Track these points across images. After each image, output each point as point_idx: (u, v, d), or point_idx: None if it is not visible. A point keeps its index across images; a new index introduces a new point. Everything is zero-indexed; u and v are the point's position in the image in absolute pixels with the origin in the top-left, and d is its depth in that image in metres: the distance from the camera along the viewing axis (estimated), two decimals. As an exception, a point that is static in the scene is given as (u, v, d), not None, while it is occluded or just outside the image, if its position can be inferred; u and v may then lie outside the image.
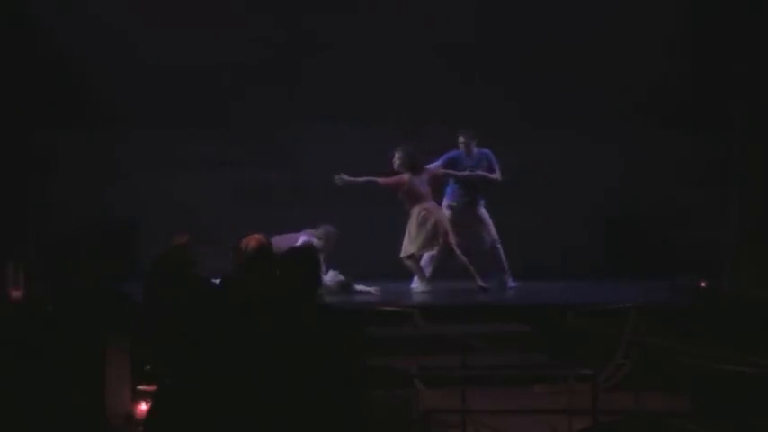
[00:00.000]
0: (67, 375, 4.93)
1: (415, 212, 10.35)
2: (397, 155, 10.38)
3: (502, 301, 10.11)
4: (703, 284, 9.75)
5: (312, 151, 12.16)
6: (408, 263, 10.41)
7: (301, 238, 9.90)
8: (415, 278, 10.46)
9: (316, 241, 9.95)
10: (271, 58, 11.99)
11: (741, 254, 11.27)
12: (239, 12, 11.88)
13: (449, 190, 10.76)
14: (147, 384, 5.07)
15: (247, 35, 11.87)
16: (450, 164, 10.63)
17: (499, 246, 10.62)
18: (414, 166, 10.36)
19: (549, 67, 11.97)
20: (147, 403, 4.89)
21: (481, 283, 10.34)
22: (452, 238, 10.35)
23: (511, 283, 10.68)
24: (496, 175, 10.59)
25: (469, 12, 12.05)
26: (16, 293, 7.67)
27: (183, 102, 11.61)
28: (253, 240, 6.22)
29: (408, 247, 10.37)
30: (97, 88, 11.60)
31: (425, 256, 10.58)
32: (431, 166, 10.57)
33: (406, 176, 10.35)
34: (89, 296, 5.64)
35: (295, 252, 4.91)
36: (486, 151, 10.67)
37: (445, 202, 10.71)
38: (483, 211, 10.69)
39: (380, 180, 10.40)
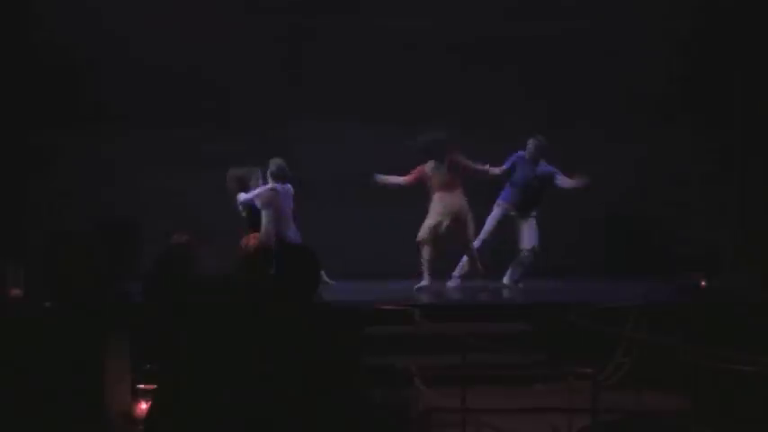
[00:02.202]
0: (67, 374, 4.92)
1: (434, 199, 10.43)
2: (421, 139, 10.42)
3: (502, 301, 10.12)
4: (703, 284, 9.75)
5: (312, 150, 12.14)
6: (421, 249, 10.41)
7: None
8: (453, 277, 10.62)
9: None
10: (271, 57, 12.00)
11: (741, 254, 11.27)
12: (239, 11, 11.89)
13: (504, 191, 10.75)
14: (147, 383, 5.06)
15: (247, 35, 11.88)
16: (511, 165, 10.65)
17: (532, 252, 10.65)
18: (436, 154, 10.34)
19: (550, 66, 11.98)
20: (146, 402, 4.88)
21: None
22: (470, 232, 10.36)
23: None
24: (497, 170, 10.58)
25: (472, 10, 12.06)
26: (16, 292, 7.67)
27: (183, 101, 11.61)
28: (252, 240, 6.21)
29: (420, 231, 10.46)
30: (97, 88, 11.61)
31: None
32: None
33: (426, 165, 10.39)
34: (89, 296, 5.63)
35: (295, 252, 4.90)
36: (552, 168, 10.68)
37: (498, 201, 10.73)
38: (532, 220, 10.70)
39: (405, 179, 10.51)
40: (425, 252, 10.41)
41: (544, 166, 10.68)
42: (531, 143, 10.62)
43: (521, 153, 10.68)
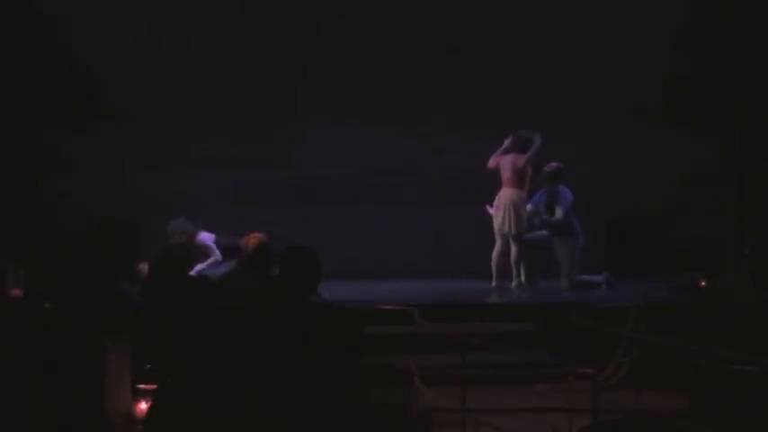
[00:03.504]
0: (67, 374, 4.93)
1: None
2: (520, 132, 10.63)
3: (502, 301, 10.12)
4: (703, 284, 9.74)
5: (312, 150, 12.16)
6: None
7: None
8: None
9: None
10: (271, 57, 12.01)
11: (741, 253, 11.26)
12: (240, 12, 11.89)
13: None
14: (147, 383, 5.06)
15: (247, 35, 11.88)
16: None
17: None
18: (509, 150, 10.58)
19: (550, 67, 11.98)
20: (146, 402, 4.88)
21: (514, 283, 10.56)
22: (514, 230, 10.42)
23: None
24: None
25: (470, 10, 12.06)
26: (16, 293, 7.66)
27: (184, 102, 11.62)
28: (253, 240, 6.22)
29: None
30: (98, 89, 11.61)
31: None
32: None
33: (501, 158, 10.58)
34: (89, 295, 5.63)
35: (295, 252, 4.90)
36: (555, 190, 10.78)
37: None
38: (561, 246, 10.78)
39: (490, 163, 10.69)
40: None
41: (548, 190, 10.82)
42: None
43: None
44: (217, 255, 9.70)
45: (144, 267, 7.76)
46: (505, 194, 10.50)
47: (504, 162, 10.57)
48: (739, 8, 11.52)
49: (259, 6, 11.91)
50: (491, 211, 10.64)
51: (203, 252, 9.67)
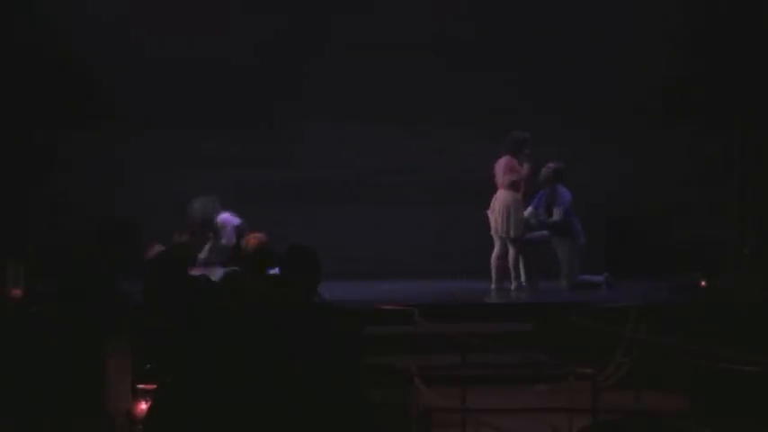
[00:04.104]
0: (67, 374, 4.93)
1: None
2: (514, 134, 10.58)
3: (502, 301, 10.12)
4: (704, 284, 9.75)
5: (312, 151, 12.15)
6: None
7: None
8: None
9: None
10: (272, 57, 12.00)
11: (741, 253, 11.27)
12: (240, 12, 11.89)
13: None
14: (147, 383, 5.07)
15: (248, 35, 11.88)
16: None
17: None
18: (505, 152, 10.48)
19: (550, 67, 11.98)
20: (146, 402, 4.88)
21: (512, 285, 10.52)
22: (510, 233, 10.38)
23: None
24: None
25: (470, 10, 12.06)
26: (16, 293, 7.66)
27: (185, 102, 11.61)
28: (253, 240, 6.22)
29: None
30: (98, 88, 11.60)
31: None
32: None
33: (497, 162, 10.51)
34: (89, 295, 5.63)
35: (296, 252, 4.90)
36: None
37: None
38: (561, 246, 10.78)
39: None
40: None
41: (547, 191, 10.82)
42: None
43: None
44: (230, 237, 9.60)
45: (155, 248, 7.70)
46: (500, 197, 10.46)
47: (498, 165, 10.52)
48: (739, 8, 11.52)
49: (260, 6, 11.90)
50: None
51: (217, 232, 9.63)
